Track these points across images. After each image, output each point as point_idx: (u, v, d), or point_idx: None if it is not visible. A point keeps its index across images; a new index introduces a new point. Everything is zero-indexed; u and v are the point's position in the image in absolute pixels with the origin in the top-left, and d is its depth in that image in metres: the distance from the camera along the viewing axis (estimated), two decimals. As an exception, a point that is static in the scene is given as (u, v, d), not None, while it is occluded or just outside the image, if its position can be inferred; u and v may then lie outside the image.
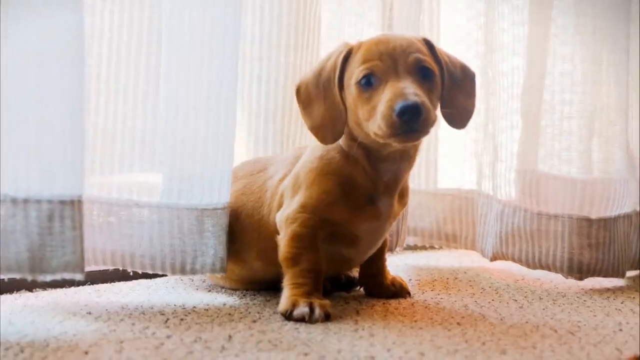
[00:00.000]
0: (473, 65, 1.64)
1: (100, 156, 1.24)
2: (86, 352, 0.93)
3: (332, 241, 1.20)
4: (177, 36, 1.21)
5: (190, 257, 1.22)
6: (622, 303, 1.32)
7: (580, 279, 1.48)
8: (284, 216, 1.19)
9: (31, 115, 1.04)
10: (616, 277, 1.50)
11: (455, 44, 1.72)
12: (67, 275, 1.05)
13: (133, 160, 1.25)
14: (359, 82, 1.13)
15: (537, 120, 1.55)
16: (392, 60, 1.12)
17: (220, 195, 1.23)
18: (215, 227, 1.22)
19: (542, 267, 1.50)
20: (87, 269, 1.33)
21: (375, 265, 1.32)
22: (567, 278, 1.50)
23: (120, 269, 1.25)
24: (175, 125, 1.21)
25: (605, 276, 1.49)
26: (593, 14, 1.52)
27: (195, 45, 1.20)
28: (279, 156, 1.34)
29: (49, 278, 1.05)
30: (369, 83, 1.12)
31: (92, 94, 1.24)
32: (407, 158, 1.20)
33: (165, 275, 1.38)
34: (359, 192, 1.18)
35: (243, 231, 1.26)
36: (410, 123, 1.06)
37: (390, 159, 1.18)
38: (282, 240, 1.18)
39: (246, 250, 1.26)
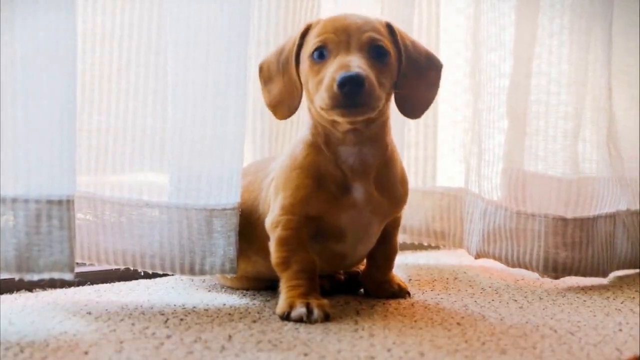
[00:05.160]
0: (470, 64, 1.66)
1: (112, 156, 1.25)
2: (86, 352, 0.93)
3: (319, 238, 1.20)
4: (183, 34, 1.21)
5: (199, 258, 1.23)
6: (622, 303, 1.32)
7: (556, 277, 1.49)
8: (269, 221, 1.20)
9: (21, 114, 1.04)
10: (596, 276, 1.50)
11: (453, 43, 1.72)
12: (56, 275, 1.06)
13: (143, 160, 1.25)
14: (311, 55, 1.14)
15: (524, 119, 1.55)
16: (345, 35, 1.13)
17: (229, 195, 1.23)
18: (225, 227, 1.23)
19: (520, 266, 1.51)
20: (89, 268, 1.34)
21: (378, 266, 1.31)
22: (542, 277, 1.50)
23: (122, 268, 1.25)
24: (183, 124, 1.22)
25: (583, 275, 1.49)
26: (580, 14, 1.52)
27: (201, 43, 1.21)
28: (278, 156, 1.35)
29: (36, 277, 1.05)
30: (321, 56, 1.13)
31: (103, 94, 1.24)
32: (368, 141, 1.18)
33: (167, 275, 1.38)
34: (329, 182, 1.18)
35: (246, 227, 1.26)
36: (351, 95, 1.07)
37: (347, 141, 1.17)
38: (271, 246, 1.19)
39: (248, 246, 1.26)
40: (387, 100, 1.18)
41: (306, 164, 1.19)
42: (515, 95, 1.55)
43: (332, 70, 1.09)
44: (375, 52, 1.13)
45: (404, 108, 1.21)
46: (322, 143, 1.19)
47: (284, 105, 1.20)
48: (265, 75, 1.23)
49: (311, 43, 1.15)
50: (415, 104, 1.22)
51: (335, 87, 1.07)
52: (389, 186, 1.22)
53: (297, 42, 1.18)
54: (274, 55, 1.22)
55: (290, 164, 1.20)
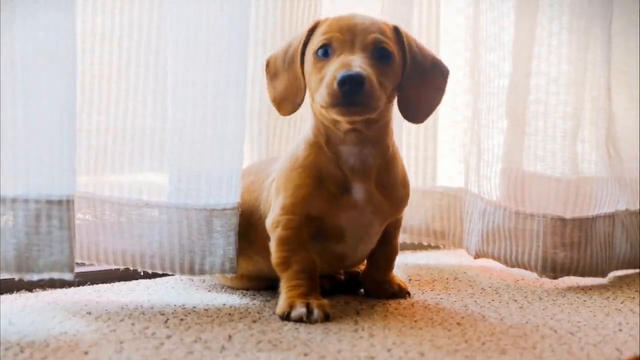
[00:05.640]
0: (469, 64, 1.65)
1: (111, 155, 1.25)
2: (86, 352, 0.93)
3: (319, 238, 1.20)
4: (183, 34, 1.21)
5: (199, 258, 1.23)
6: (622, 303, 1.32)
7: (555, 277, 1.49)
8: (270, 222, 1.20)
9: (21, 114, 1.04)
10: (595, 276, 1.51)
11: (453, 43, 1.72)
12: (56, 275, 1.06)
13: (143, 160, 1.25)
14: (315, 52, 1.14)
15: (523, 119, 1.55)
16: (351, 35, 1.13)
17: (229, 195, 1.23)
18: (224, 227, 1.23)
19: (519, 266, 1.51)
20: (89, 268, 1.34)
21: (378, 266, 1.31)
22: (541, 277, 1.51)
23: (122, 268, 1.26)
24: (183, 124, 1.22)
25: (582, 275, 1.49)
26: (579, 14, 1.52)
27: (201, 43, 1.21)
28: (280, 157, 1.35)
29: (35, 277, 1.05)
30: (325, 54, 1.14)
31: (102, 94, 1.24)
32: (369, 142, 1.18)
33: (167, 275, 1.38)
34: (329, 181, 1.18)
35: (247, 227, 1.26)
36: (350, 94, 1.07)
37: (348, 141, 1.17)
38: (272, 246, 1.19)
39: (250, 246, 1.26)
40: (389, 102, 1.18)
41: (307, 164, 1.19)
42: (514, 95, 1.55)
43: (334, 69, 1.09)
44: (379, 53, 1.13)
45: (406, 112, 1.21)
46: (323, 142, 1.19)
47: (287, 101, 1.21)
48: (272, 70, 1.23)
49: (317, 40, 1.15)
50: (418, 109, 1.22)
51: (335, 85, 1.07)
52: (390, 188, 1.22)
53: (303, 39, 1.18)
54: (281, 51, 1.23)
55: (292, 163, 1.20)
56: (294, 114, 1.47)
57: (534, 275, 1.52)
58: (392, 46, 1.15)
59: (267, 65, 1.24)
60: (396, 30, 1.19)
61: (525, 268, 1.51)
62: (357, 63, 1.09)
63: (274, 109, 1.48)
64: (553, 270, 1.48)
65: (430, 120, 1.67)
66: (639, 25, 1.66)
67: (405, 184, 1.26)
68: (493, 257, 1.55)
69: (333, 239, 1.21)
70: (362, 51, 1.12)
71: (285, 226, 1.17)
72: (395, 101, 1.21)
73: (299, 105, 1.20)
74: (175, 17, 1.22)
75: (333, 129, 1.18)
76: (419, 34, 1.65)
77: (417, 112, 1.22)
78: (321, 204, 1.18)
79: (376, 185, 1.20)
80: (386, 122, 1.20)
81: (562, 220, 1.48)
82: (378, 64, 1.13)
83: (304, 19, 1.50)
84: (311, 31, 1.19)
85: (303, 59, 1.19)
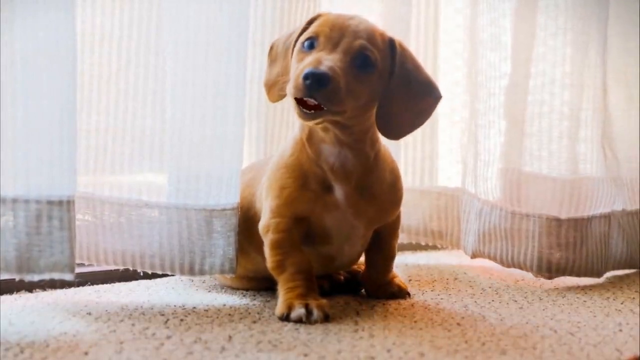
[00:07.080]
0: (467, 65, 1.65)
1: (111, 156, 1.25)
2: (86, 353, 0.93)
3: (307, 240, 1.20)
4: (183, 34, 1.21)
5: (199, 258, 1.23)
6: (622, 303, 1.32)
7: (550, 278, 1.50)
8: (261, 226, 1.20)
9: (21, 114, 1.04)
10: (590, 277, 1.51)
11: (453, 43, 1.72)
12: (56, 275, 1.06)
13: (142, 160, 1.25)
14: (302, 43, 1.14)
15: (522, 120, 1.55)
16: (339, 35, 1.12)
17: (229, 196, 1.23)
18: (224, 227, 1.23)
19: (514, 266, 1.51)
20: (89, 269, 1.34)
21: (377, 268, 1.31)
22: (536, 277, 1.51)
23: (122, 268, 1.26)
24: (183, 124, 1.22)
25: (577, 275, 1.50)
26: (576, 15, 1.52)
27: (201, 43, 1.21)
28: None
29: (36, 278, 1.05)
30: (310, 46, 1.13)
31: (102, 95, 1.24)
32: (347, 146, 1.16)
33: (167, 276, 1.38)
34: (312, 179, 1.18)
35: (245, 224, 1.26)
36: (311, 90, 1.06)
37: (328, 140, 1.16)
38: (265, 251, 1.19)
39: (248, 244, 1.26)
40: (366, 111, 1.16)
41: (290, 163, 1.19)
42: (513, 95, 1.55)
43: (306, 62, 1.09)
44: (360, 60, 1.11)
45: (384, 126, 1.17)
46: (306, 139, 1.18)
47: (276, 88, 1.20)
48: (273, 55, 1.23)
49: (306, 32, 1.15)
50: (397, 125, 1.19)
51: (300, 77, 1.06)
52: (375, 194, 1.21)
53: (301, 29, 1.18)
54: (283, 37, 1.23)
55: (278, 162, 1.21)
56: (293, 117, 1.47)
57: (533, 275, 1.53)
58: (378, 56, 1.13)
59: (271, 49, 1.24)
60: (391, 43, 1.17)
61: (520, 268, 1.51)
62: (328, 63, 1.07)
63: (272, 110, 1.49)
64: (548, 270, 1.49)
65: (430, 120, 1.67)
66: (638, 26, 1.66)
67: (394, 191, 1.24)
68: (489, 257, 1.55)
69: (319, 240, 1.21)
70: (343, 53, 1.10)
71: (275, 229, 1.18)
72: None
73: (284, 91, 1.17)
74: (174, 17, 1.22)
75: (313, 125, 1.17)
76: (417, 34, 1.65)
77: (395, 128, 1.19)
78: (306, 203, 1.17)
79: (359, 189, 1.19)
80: (364, 130, 1.18)
81: (558, 220, 1.48)
82: (356, 70, 1.11)
83: (303, 19, 1.50)
84: (310, 22, 1.18)
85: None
